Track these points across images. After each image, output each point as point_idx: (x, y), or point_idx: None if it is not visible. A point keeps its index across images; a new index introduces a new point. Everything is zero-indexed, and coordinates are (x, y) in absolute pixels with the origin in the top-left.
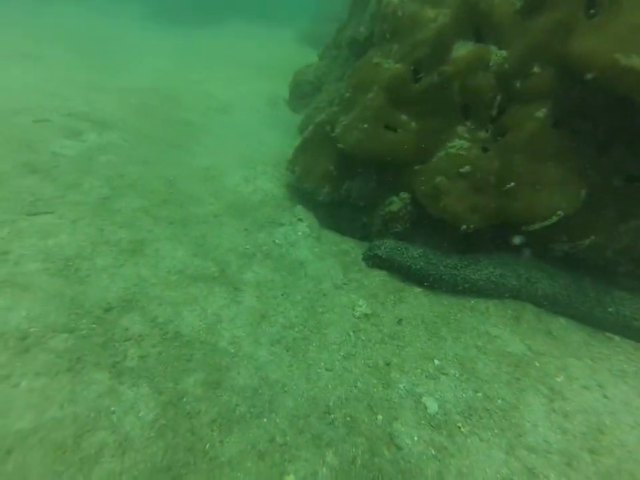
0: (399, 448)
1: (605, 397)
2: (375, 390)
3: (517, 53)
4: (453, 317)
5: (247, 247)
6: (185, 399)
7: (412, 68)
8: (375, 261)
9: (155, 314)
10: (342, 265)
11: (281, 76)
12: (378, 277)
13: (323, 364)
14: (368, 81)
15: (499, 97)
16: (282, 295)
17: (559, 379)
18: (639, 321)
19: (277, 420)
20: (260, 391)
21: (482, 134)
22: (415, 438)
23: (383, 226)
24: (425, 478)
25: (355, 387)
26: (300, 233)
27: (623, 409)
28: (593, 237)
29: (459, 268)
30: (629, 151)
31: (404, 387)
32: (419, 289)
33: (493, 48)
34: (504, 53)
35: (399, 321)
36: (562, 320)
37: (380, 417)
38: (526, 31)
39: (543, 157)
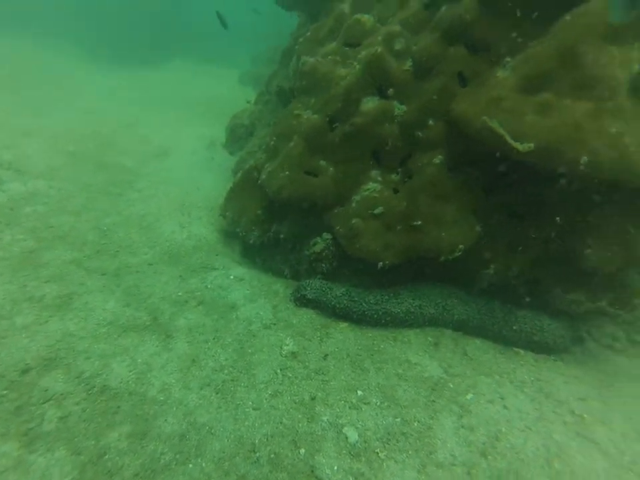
0: (319, 479)
1: (505, 407)
2: (300, 425)
3: (415, 108)
4: (376, 348)
5: (180, 293)
6: (107, 456)
7: (327, 119)
8: (302, 301)
9: (81, 369)
10: (272, 305)
11: (222, 118)
12: (306, 315)
13: (250, 403)
14: (289, 131)
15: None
16: (213, 338)
17: (468, 397)
18: (537, 335)
19: (203, 464)
20: (187, 436)
21: (393, 176)
22: (335, 468)
23: (310, 266)
24: None
25: (281, 423)
26: (232, 277)
27: (517, 415)
28: (492, 266)
29: (380, 303)
30: (510, 192)
31: (327, 419)
32: (345, 324)
33: (396, 103)
34: (404, 107)
35: (325, 357)
36: (477, 341)
37: (303, 450)
38: (420, 90)
39: (442, 197)
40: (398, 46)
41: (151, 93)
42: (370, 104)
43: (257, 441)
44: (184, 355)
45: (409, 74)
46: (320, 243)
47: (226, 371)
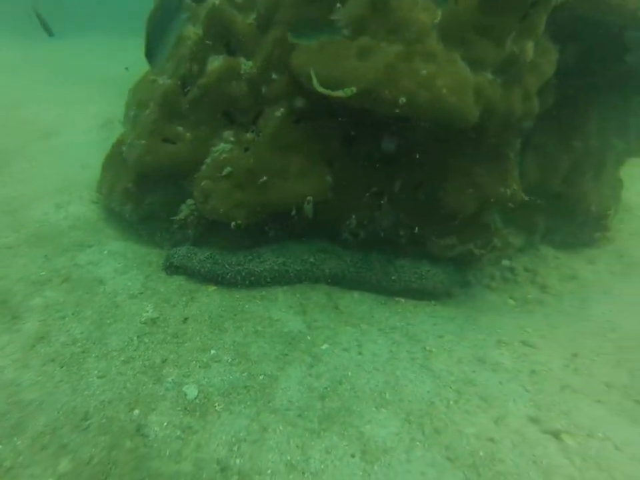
0: (145, 436)
1: (360, 353)
2: (144, 387)
3: (259, 63)
4: (240, 309)
5: (43, 273)
6: None
7: (179, 82)
8: (171, 269)
9: None
10: (144, 276)
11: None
12: (175, 282)
13: (97, 372)
14: (146, 98)
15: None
16: (72, 314)
17: (323, 347)
18: (416, 283)
19: (18, 442)
20: (8, 416)
21: (248, 135)
22: (165, 424)
23: (180, 233)
24: (162, 458)
25: (124, 388)
26: (106, 252)
27: (370, 359)
28: (354, 217)
29: (242, 264)
30: (373, 140)
31: (172, 379)
32: (213, 287)
33: (242, 59)
34: (250, 63)
35: (185, 320)
36: (355, 294)
37: (137, 411)
38: (263, 43)
39: (287, 150)
40: None
41: (54, 68)
42: (216, 63)
43: (91, 409)
44: (32, 334)
45: (253, 27)
46: (184, 210)
47: (78, 344)
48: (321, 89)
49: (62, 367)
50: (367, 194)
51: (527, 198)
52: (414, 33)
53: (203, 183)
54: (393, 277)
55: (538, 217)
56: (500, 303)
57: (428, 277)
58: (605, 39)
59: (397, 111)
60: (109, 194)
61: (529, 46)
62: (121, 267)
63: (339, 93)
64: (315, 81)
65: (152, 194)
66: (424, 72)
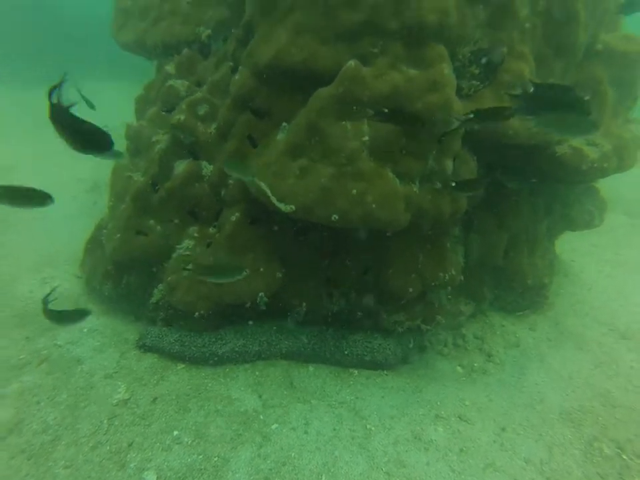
0: None
1: (306, 432)
2: (107, 475)
3: (218, 168)
4: (204, 387)
5: (22, 356)
6: None
7: (150, 181)
8: (144, 348)
9: None
10: (120, 354)
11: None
12: (149, 360)
13: (63, 462)
14: (124, 191)
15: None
16: (47, 398)
17: (273, 427)
18: (368, 356)
19: None
20: None
21: (210, 230)
22: None
23: (154, 313)
24: None
25: (89, 477)
26: (85, 330)
27: (314, 439)
28: (304, 304)
29: (207, 346)
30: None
31: (135, 465)
32: (182, 365)
33: (205, 163)
34: (211, 167)
35: (154, 400)
36: (311, 368)
37: None
38: (222, 151)
39: (241, 251)
40: (201, 111)
41: (42, 119)
42: (181, 167)
43: None
44: (4, 424)
45: (214, 136)
46: (156, 294)
47: (50, 431)
48: (270, 196)
49: (30, 459)
50: (317, 282)
51: (462, 278)
52: (344, 157)
53: (169, 278)
54: (346, 352)
55: (484, 288)
56: (449, 371)
57: (379, 350)
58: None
59: (332, 223)
60: (90, 273)
61: (448, 162)
62: (99, 345)
63: (282, 207)
64: (269, 193)
65: (129, 276)
66: (354, 191)
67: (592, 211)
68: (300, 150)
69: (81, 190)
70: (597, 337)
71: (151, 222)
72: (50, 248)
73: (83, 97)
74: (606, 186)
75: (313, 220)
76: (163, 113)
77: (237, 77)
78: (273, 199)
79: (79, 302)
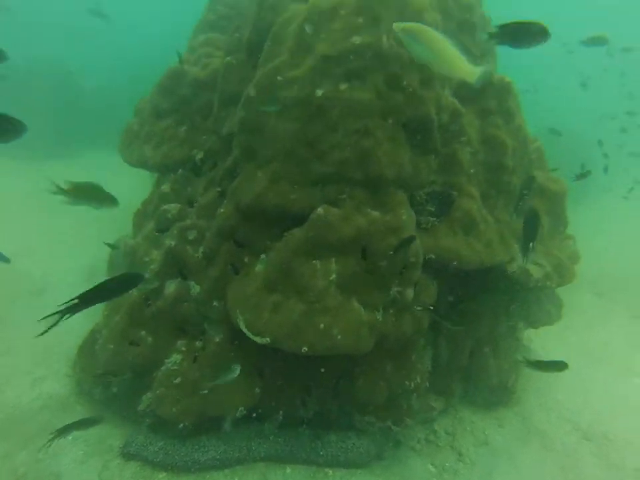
0: None
1: None
2: None
3: (204, 290)
4: None
5: None
6: None
7: (143, 297)
8: (128, 456)
9: None
10: (102, 464)
11: (123, 225)
12: (131, 469)
13: None
14: (117, 304)
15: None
16: None
17: None
18: (342, 456)
19: None
20: None
21: (197, 344)
22: None
23: (140, 419)
24: None
25: None
26: (70, 438)
27: None
28: (281, 412)
29: (189, 454)
30: None
31: None
32: (164, 474)
33: (193, 284)
34: (198, 288)
35: None
36: (288, 469)
37: None
38: (208, 274)
39: (224, 366)
40: (191, 236)
41: (47, 199)
42: (171, 287)
43: None
44: None
45: (201, 259)
46: (144, 401)
47: None
48: (245, 331)
49: None
50: (293, 390)
51: (427, 384)
52: (313, 295)
53: (157, 391)
54: (321, 452)
55: (453, 385)
56: (421, 470)
57: (353, 450)
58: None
59: (302, 353)
60: (81, 375)
61: (409, 290)
62: (82, 455)
63: (257, 339)
64: (242, 325)
65: (119, 382)
66: (322, 325)
67: (550, 310)
68: (275, 285)
69: (80, 279)
70: (561, 436)
71: (143, 333)
72: (45, 343)
73: None
74: None
75: (285, 350)
76: (157, 233)
77: (222, 209)
78: (249, 334)
79: (68, 403)
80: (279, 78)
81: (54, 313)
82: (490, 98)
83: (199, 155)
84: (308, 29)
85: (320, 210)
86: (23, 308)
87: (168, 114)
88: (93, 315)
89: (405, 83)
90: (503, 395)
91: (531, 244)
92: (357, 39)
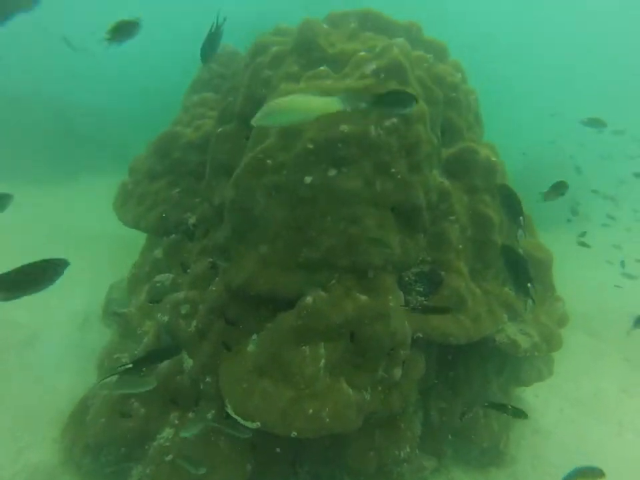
0: None
1: None
2: None
3: (198, 364)
4: None
5: None
6: None
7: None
8: None
9: None
10: None
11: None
12: None
13: None
14: (111, 371)
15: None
16: None
17: None
18: None
19: None
20: None
21: (190, 415)
22: None
23: None
24: None
25: None
26: None
27: None
28: None
29: None
30: None
31: None
32: None
33: (186, 357)
34: (191, 362)
35: None
36: None
37: None
38: (201, 350)
39: (215, 444)
40: (184, 311)
41: (40, 232)
42: (164, 363)
43: None
44: None
45: (194, 334)
46: (135, 476)
47: None
48: (235, 416)
49: None
50: (285, 465)
51: (417, 452)
52: (302, 382)
53: (148, 470)
54: None
55: (445, 446)
56: None
57: None
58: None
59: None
60: (70, 443)
61: (397, 370)
62: None
63: (248, 424)
64: (231, 410)
65: (109, 453)
66: (310, 411)
67: (541, 368)
68: (264, 370)
69: (73, 326)
70: None
71: (136, 404)
72: (32, 403)
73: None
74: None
75: (274, 434)
76: (150, 304)
77: (213, 287)
78: (239, 419)
79: (54, 474)
80: (268, 161)
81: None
82: (477, 176)
83: (192, 220)
84: None
85: (309, 299)
86: (10, 360)
87: (161, 175)
88: (75, 374)
89: (393, 170)
90: (494, 456)
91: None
92: (345, 127)
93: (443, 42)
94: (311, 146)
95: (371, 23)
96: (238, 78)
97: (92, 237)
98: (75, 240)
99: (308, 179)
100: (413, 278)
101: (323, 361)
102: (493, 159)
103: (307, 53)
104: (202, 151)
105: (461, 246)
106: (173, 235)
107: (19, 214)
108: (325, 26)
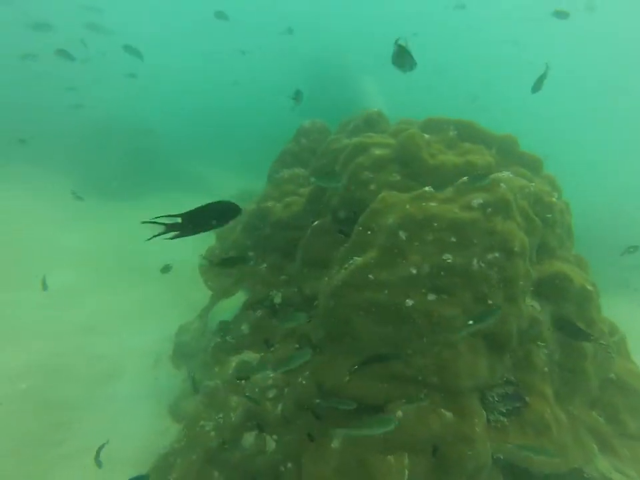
0: None
1: None
2: None
3: (281, 449)
4: None
5: None
6: None
7: (221, 440)
8: None
9: None
10: None
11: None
12: None
13: None
14: (195, 439)
15: None
16: None
17: None
18: None
19: None
20: None
21: None
22: None
23: None
24: None
25: None
26: None
27: None
28: None
29: None
30: None
31: None
32: None
33: (269, 438)
34: (274, 444)
35: None
36: None
37: None
38: (286, 432)
39: None
40: (271, 395)
41: (112, 261)
42: (249, 440)
43: None
44: None
45: (279, 417)
46: None
47: None
48: None
49: None
50: None
51: None
52: None
53: None
54: None
55: None
56: None
57: None
58: None
59: None
60: None
61: None
62: None
63: None
64: None
65: None
66: None
67: None
68: (349, 473)
69: (145, 365)
70: None
71: (216, 474)
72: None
73: None
74: None
75: None
76: (237, 381)
77: (303, 382)
78: None
79: None
80: (370, 276)
81: (150, 221)
82: (568, 301)
83: (277, 299)
84: (402, 235)
85: (399, 413)
86: (99, 395)
87: (249, 249)
88: (158, 412)
89: (490, 301)
90: None
91: None
92: (448, 257)
93: (537, 155)
94: (414, 271)
95: (468, 132)
96: (328, 157)
97: (156, 265)
98: (140, 270)
99: (409, 302)
100: (497, 398)
101: (406, 472)
102: (589, 286)
103: (409, 165)
104: (291, 228)
105: (546, 369)
106: (259, 312)
107: (93, 243)
108: (426, 136)
